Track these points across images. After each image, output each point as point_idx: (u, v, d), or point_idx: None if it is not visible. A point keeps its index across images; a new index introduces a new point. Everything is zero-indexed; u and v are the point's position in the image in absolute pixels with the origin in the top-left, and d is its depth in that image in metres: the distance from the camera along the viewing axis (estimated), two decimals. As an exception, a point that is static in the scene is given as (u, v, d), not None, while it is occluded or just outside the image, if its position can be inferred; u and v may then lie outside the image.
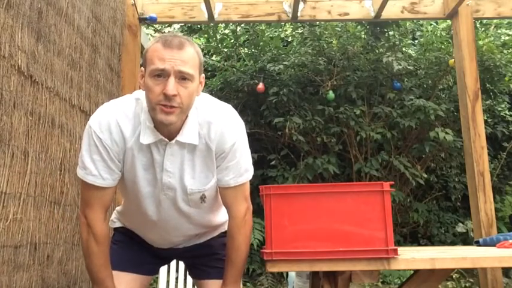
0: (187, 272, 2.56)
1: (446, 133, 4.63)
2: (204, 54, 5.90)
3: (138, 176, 1.49)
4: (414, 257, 1.55)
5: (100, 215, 1.49)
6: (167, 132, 1.43)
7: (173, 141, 1.44)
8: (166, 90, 1.33)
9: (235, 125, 1.51)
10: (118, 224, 1.77)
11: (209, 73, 5.77)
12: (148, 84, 1.37)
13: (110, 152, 1.44)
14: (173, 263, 2.69)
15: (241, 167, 1.52)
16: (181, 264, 2.83)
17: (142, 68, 1.43)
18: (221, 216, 1.73)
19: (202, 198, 1.54)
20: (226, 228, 1.64)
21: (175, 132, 1.44)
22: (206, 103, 1.52)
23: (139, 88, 1.47)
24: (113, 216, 1.80)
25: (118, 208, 1.79)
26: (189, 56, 1.38)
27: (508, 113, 5.59)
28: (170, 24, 5.73)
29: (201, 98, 1.52)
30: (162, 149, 1.46)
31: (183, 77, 1.36)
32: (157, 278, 2.66)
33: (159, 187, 1.50)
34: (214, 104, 1.54)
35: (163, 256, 1.76)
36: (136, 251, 1.70)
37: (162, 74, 1.35)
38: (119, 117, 1.44)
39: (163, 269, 2.55)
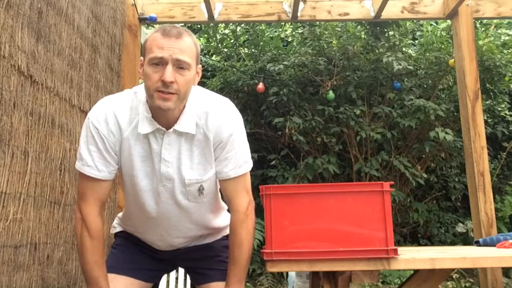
0: (189, 278, 2.55)
1: (446, 133, 4.63)
2: (204, 54, 5.90)
3: (136, 167, 1.50)
4: (414, 257, 1.55)
5: (94, 209, 1.50)
6: (165, 121, 1.46)
7: (171, 130, 1.47)
8: (164, 78, 1.36)
9: (232, 115, 1.54)
10: (119, 229, 1.77)
11: (209, 73, 5.77)
12: (146, 71, 1.40)
13: (106, 142, 1.47)
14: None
15: (240, 157, 1.53)
16: (181, 268, 2.83)
17: (141, 57, 1.46)
18: (222, 220, 1.72)
19: (200, 190, 1.54)
20: (228, 232, 1.62)
21: (173, 122, 1.46)
22: (204, 94, 1.55)
23: (140, 78, 1.49)
24: (115, 222, 1.80)
25: (119, 214, 1.79)
26: (187, 45, 1.41)
27: (508, 113, 5.59)
28: (170, 24, 5.72)
29: (199, 90, 1.55)
30: (160, 138, 1.48)
31: (180, 65, 1.39)
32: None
33: (157, 178, 1.51)
34: (211, 96, 1.57)
35: (164, 258, 1.72)
36: (135, 255, 1.69)
37: (160, 62, 1.38)
38: (116, 109, 1.48)
39: (163, 269, 2.55)
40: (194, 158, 1.51)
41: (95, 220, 1.50)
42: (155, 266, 1.72)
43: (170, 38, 1.39)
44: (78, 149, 1.51)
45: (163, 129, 1.46)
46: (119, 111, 1.47)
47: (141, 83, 1.51)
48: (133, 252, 1.70)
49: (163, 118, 1.45)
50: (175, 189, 1.52)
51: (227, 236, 1.64)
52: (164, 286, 2.81)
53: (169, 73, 1.36)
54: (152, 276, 1.73)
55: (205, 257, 1.71)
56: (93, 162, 1.47)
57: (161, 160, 1.48)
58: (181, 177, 1.51)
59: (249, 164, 1.58)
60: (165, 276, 2.79)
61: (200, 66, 1.51)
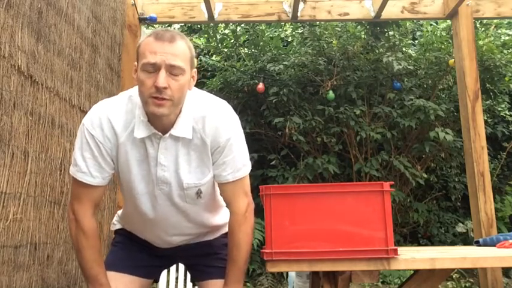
0: (189, 274, 2.54)
1: (446, 133, 4.63)
2: (204, 54, 5.90)
3: (133, 172, 1.49)
4: (414, 257, 1.55)
5: (88, 210, 1.50)
6: (161, 126, 1.45)
7: (167, 135, 1.45)
8: (157, 83, 1.35)
9: (230, 119, 1.52)
10: (118, 226, 1.77)
11: (209, 73, 5.77)
12: (140, 77, 1.39)
13: (101, 149, 1.46)
14: (173, 263, 2.68)
15: (238, 161, 1.52)
16: (181, 264, 2.83)
17: (135, 62, 1.44)
18: (221, 218, 1.72)
19: (198, 193, 1.54)
20: (227, 230, 1.62)
21: (169, 126, 1.45)
22: (201, 98, 1.53)
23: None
24: (114, 219, 1.81)
25: (119, 212, 1.79)
26: (180, 49, 1.40)
27: (508, 113, 5.59)
28: (170, 24, 5.72)
29: (196, 94, 1.53)
30: (156, 143, 1.47)
31: (173, 70, 1.38)
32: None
33: (154, 182, 1.50)
34: (209, 99, 1.55)
35: (164, 255, 1.73)
36: (135, 252, 1.69)
37: (153, 68, 1.37)
38: (110, 114, 1.47)
39: (163, 269, 2.55)
40: (192, 162, 1.50)
41: (90, 221, 1.50)
42: (155, 262, 1.73)
43: (163, 43, 1.37)
44: (73, 154, 1.50)
45: (160, 133, 1.45)
46: (114, 116, 1.46)
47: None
48: (134, 249, 1.70)
49: (159, 123, 1.44)
50: (173, 192, 1.52)
51: (226, 233, 1.64)
52: (164, 286, 2.81)
53: (162, 79, 1.35)
54: (152, 272, 1.75)
55: (204, 254, 1.72)
56: (87, 169, 1.47)
57: (157, 164, 1.48)
58: (179, 180, 1.50)
59: (248, 167, 1.57)
60: (165, 276, 2.79)
61: (195, 70, 1.49)
